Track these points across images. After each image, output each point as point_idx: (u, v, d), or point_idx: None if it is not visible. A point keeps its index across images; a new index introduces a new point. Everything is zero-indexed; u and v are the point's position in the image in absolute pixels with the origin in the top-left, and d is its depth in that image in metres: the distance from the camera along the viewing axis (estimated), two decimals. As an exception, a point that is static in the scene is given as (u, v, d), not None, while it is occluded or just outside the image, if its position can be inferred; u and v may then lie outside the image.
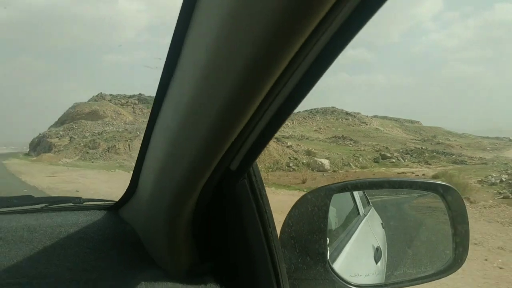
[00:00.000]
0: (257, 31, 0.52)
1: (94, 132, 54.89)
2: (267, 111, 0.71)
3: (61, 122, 69.04)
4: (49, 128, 70.69)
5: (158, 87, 0.78)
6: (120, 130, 53.99)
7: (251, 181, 0.91)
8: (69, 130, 58.02)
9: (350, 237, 1.78)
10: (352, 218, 1.99)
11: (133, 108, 68.81)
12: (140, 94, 75.08)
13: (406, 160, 39.30)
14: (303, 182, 22.65)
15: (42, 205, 1.24)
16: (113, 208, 1.19)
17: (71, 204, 1.28)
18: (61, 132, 57.61)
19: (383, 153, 42.18)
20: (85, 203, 1.28)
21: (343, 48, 0.59)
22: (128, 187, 1.09)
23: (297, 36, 0.53)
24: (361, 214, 2.09)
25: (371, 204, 2.34)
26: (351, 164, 36.93)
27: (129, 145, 44.78)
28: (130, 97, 73.12)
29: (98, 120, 61.22)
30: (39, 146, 58.60)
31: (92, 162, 39.97)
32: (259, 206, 0.92)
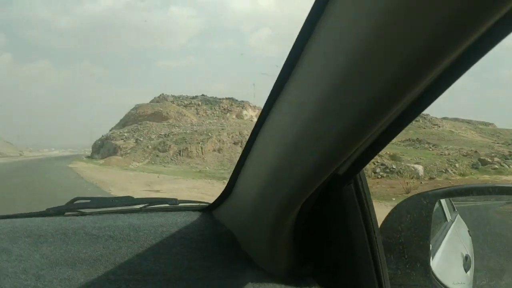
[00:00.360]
0: (414, 38, 0.47)
1: (161, 134, 51.53)
2: (389, 118, 0.67)
3: (123, 123, 66.81)
4: (111, 130, 68.70)
5: (272, 92, 0.77)
6: (187, 131, 50.37)
7: (357, 186, 0.91)
8: (134, 132, 55.04)
9: (440, 244, 1.69)
10: (440, 224, 1.88)
11: (196, 109, 65.36)
12: (203, 95, 71.80)
13: (511, 166, 32.92)
14: (407, 192, 18.25)
15: (141, 205, 1.29)
16: (207, 210, 1.22)
17: (168, 205, 1.31)
18: (125, 134, 54.69)
19: (482, 158, 35.77)
20: (180, 204, 1.31)
21: (485, 53, 0.53)
22: (224, 189, 1.12)
23: (455, 44, 0.47)
24: (448, 220, 1.96)
25: (456, 210, 2.16)
26: (449, 170, 31.03)
27: (201, 148, 40.62)
28: (193, 98, 69.87)
29: (162, 121, 58.10)
30: (103, 148, 56.07)
31: (164, 166, 36.03)
32: (364, 211, 0.91)
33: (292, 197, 0.81)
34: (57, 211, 1.23)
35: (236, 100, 68.95)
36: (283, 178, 0.79)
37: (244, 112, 64.03)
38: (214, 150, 41.07)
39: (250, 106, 66.97)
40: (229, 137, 43.84)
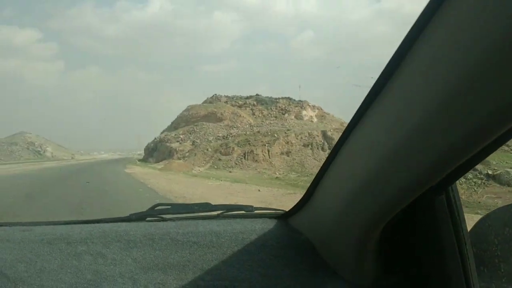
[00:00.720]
0: None
1: (218, 135, 47.55)
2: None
3: (174, 126, 63.87)
4: (162, 132, 66.02)
5: (364, 102, 0.75)
6: (248, 133, 46.14)
7: (449, 197, 0.88)
8: (190, 133, 51.35)
9: None
10: None
11: (252, 109, 61.21)
12: (257, 94, 67.81)
13: None
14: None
15: (219, 212, 1.32)
16: (283, 217, 1.23)
17: (244, 212, 1.33)
18: (181, 136, 51.10)
19: None
20: (256, 211, 1.32)
21: None
22: (302, 197, 1.12)
23: None
24: None
25: None
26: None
27: (268, 151, 36.10)
28: (247, 98, 65.88)
29: (216, 122, 54.27)
30: (157, 152, 52.85)
31: (230, 172, 31.78)
32: (456, 223, 0.88)
33: (384, 209, 0.79)
34: (140, 217, 1.28)
35: (294, 100, 64.38)
36: (375, 190, 0.77)
37: (304, 112, 59.23)
38: (282, 153, 36.42)
39: (309, 105, 62.13)
40: (297, 139, 39.05)
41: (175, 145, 47.53)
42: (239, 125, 52.33)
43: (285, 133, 40.31)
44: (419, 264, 0.92)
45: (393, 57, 0.64)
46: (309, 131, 40.68)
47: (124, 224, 1.20)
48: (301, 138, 39.20)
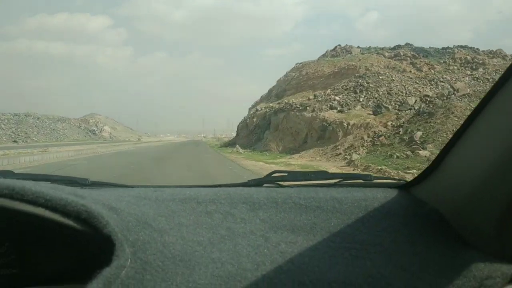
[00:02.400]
0: None
1: (427, 95, 21.83)
2: None
3: (276, 93, 39.25)
4: (254, 105, 42.00)
5: None
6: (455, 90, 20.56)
7: None
8: (355, 92, 25.86)
9: None
10: None
11: (411, 62, 34.99)
12: (407, 44, 41.46)
13: None
14: None
15: (336, 180, 1.27)
16: (404, 187, 1.16)
17: (362, 181, 1.28)
18: (336, 98, 25.44)
19: None
20: (375, 181, 1.27)
21: None
22: (428, 166, 1.06)
23: None
24: None
25: None
26: None
27: None
28: (394, 48, 39.81)
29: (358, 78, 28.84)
30: (272, 131, 28.39)
31: None
32: None
33: None
34: (257, 182, 1.29)
35: (477, 49, 37.39)
36: None
37: (512, 64, 31.70)
38: None
39: (513, 55, 34.63)
40: None
41: (329, 114, 22.48)
42: (441, 79, 26.42)
43: None
44: None
45: None
46: None
47: (245, 188, 1.20)
48: None
